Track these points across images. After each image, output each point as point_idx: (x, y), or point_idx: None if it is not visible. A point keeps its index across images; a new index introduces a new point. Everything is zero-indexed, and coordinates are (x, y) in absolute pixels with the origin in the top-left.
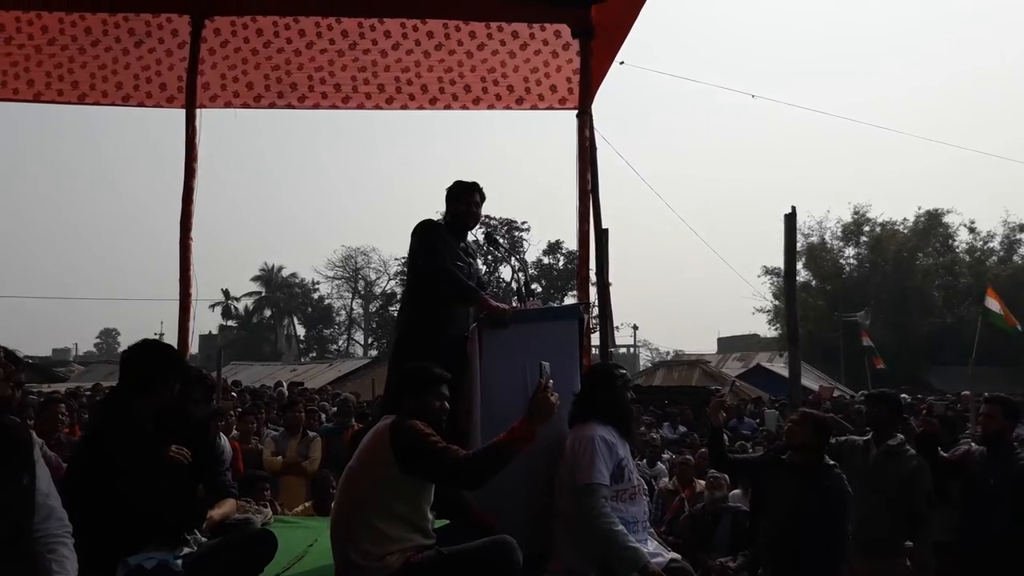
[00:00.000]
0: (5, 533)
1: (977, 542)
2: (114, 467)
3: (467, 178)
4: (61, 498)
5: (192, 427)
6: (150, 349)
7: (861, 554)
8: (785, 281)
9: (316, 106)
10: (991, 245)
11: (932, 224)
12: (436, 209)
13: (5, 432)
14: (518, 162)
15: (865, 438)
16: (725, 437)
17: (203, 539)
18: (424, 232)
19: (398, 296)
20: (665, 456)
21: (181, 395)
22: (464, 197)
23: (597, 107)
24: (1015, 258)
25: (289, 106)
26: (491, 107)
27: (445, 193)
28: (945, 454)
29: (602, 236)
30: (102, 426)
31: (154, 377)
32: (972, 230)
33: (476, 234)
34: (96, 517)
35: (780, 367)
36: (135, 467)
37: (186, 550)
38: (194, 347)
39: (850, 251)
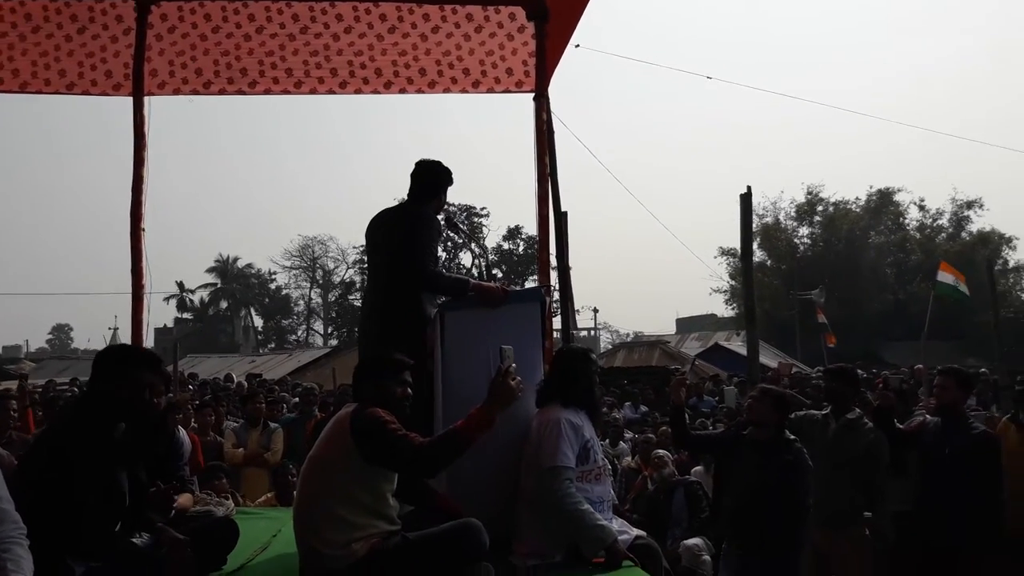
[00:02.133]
0: None
1: (933, 511)
2: (69, 472)
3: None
4: (12, 496)
5: (152, 419)
6: (101, 353)
7: (822, 525)
8: (742, 260)
9: (267, 91)
10: (940, 222)
11: (883, 203)
12: (394, 196)
13: None
14: (476, 146)
15: (824, 412)
16: (686, 415)
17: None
18: (427, 231)
19: (357, 284)
20: (627, 436)
21: (143, 386)
22: (447, 190)
23: (554, 91)
24: (963, 235)
25: (240, 92)
26: (447, 91)
27: (428, 169)
28: (901, 426)
29: (561, 219)
30: (62, 431)
31: (99, 379)
32: (922, 208)
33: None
34: (45, 519)
35: (738, 345)
36: (89, 472)
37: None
38: (149, 341)
39: (804, 230)
